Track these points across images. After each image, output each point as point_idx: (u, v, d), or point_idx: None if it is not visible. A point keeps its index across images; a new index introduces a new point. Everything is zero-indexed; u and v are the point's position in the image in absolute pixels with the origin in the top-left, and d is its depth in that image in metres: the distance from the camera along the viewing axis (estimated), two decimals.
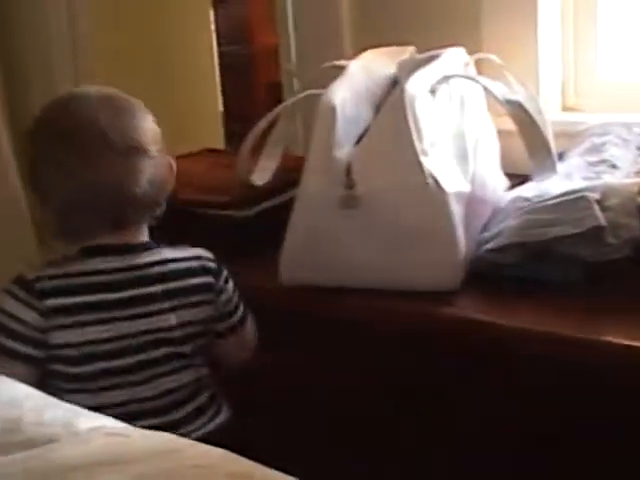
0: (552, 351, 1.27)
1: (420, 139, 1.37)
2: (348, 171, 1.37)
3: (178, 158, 1.97)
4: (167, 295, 1.29)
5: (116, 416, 1.06)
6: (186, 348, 1.32)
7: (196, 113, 2.66)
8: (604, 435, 1.26)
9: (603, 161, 1.55)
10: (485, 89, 1.47)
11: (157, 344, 1.29)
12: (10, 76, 2.12)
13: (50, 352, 1.25)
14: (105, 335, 1.26)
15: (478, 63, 1.65)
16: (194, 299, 1.32)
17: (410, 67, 1.49)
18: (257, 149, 1.66)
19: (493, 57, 1.67)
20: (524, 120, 1.44)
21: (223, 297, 1.38)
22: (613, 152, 1.57)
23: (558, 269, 1.36)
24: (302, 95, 1.54)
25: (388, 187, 1.37)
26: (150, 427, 1.09)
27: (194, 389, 1.35)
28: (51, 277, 1.25)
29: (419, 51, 1.65)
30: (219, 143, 2.68)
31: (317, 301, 1.44)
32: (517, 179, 1.64)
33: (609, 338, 1.22)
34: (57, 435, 0.92)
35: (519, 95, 1.53)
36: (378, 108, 1.46)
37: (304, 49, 2.19)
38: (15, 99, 2.14)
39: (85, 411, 0.98)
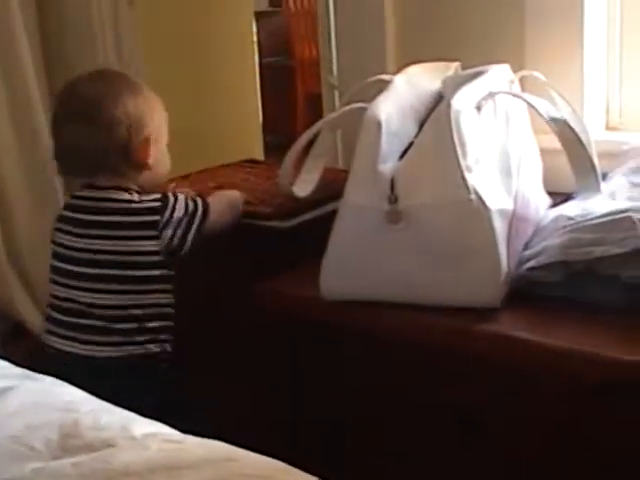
0: (591, 371, 1.26)
1: (464, 155, 1.37)
2: (392, 186, 1.37)
3: (219, 168, 2.01)
4: (108, 225, 1.58)
5: (54, 307, 1.62)
6: (118, 272, 1.58)
7: (236, 123, 2.68)
8: None
9: None
10: (531, 106, 1.47)
11: (93, 263, 1.59)
12: None
13: None
14: (69, 244, 1.62)
15: (522, 80, 1.64)
16: (132, 234, 1.58)
17: (456, 83, 1.49)
18: (298, 161, 1.67)
19: (538, 75, 1.66)
20: (569, 138, 1.43)
21: (168, 232, 1.57)
22: None
23: (600, 289, 1.35)
24: (347, 109, 1.54)
25: (431, 202, 1.37)
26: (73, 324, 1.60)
27: (120, 314, 1.58)
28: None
29: (463, 68, 1.66)
30: (258, 154, 2.70)
31: (357, 315, 1.44)
32: (559, 197, 1.64)
33: None
34: (114, 440, 0.94)
35: (564, 113, 1.52)
36: (422, 123, 1.46)
37: (346, 62, 2.19)
38: None
39: (138, 417, 0.99)
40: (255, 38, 2.82)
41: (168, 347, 1.62)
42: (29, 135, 2.19)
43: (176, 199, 1.59)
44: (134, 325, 1.59)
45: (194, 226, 1.59)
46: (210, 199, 1.65)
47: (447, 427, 1.41)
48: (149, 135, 1.60)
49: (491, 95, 1.47)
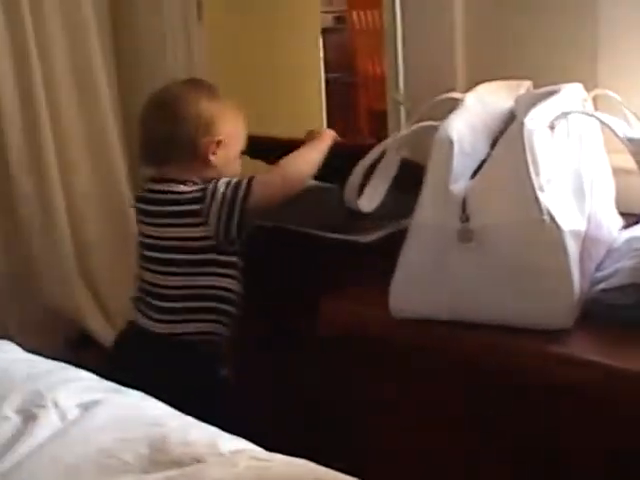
0: None
1: (537, 175, 1.36)
2: (463, 205, 1.37)
3: None
4: (156, 214, 1.79)
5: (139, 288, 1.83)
6: (172, 257, 1.76)
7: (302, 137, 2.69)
8: None
9: None
10: (606, 126, 1.45)
11: (150, 247, 1.80)
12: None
13: None
14: (143, 231, 1.83)
15: (595, 99, 1.63)
16: (180, 221, 1.75)
17: (528, 102, 1.48)
18: (365, 176, 1.66)
19: (611, 93, 1.65)
20: None
21: (213, 219, 1.72)
22: None
23: None
24: (418, 126, 1.54)
25: (504, 222, 1.36)
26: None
27: (180, 294, 1.77)
28: None
29: (535, 86, 1.64)
30: None
31: (426, 334, 1.43)
32: (631, 218, 1.62)
33: None
34: (202, 456, 0.95)
35: (638, 132, 1.50)
36: (494, 142, 1.46)
37: (413, 79, 2.19)
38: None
39: (224, 433, 1.00)
40: (321, 54, 2.83)
41: (220, 329, 1.79)
42: (100, 150, 2.24)
43: (215, 187, 1.73)
44: (189, 304, 1.76)
45: (236, 211, 1.72)
46: (261, 177, 1.76)
47: (516, 449, 1.40)
48: (218, 137, 1.77)
49: (564, 114, 1.46)
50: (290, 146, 1.84)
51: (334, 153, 1.83)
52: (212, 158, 1.78)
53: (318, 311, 1.52)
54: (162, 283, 1.78)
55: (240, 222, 1.73)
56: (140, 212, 1.83)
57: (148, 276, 1.81)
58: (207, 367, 1.81)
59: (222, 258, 1.76)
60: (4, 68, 2.13)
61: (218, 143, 1.78)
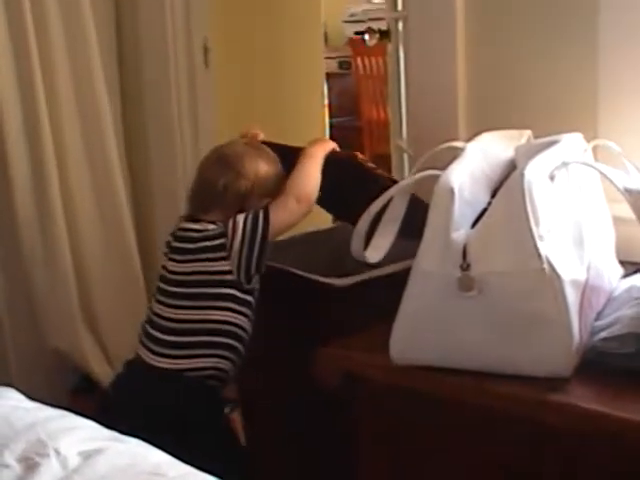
0: None
1: (537, 224, 1.37)
2: (464, 253, 1.38)
3: None
4: (182, 251, 1.84)
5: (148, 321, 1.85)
6: (194, 291, 1.80)
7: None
8: None
9: None
10: (606, 177, 1.47)
11: (173, 283, 1.83)
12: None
13: None
14: (166, 265, 1.87)
15: (595, 149, 1.65)
16: (202, 256, 1.80)
17: (529, 152, 1.50)
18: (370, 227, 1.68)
19: (611, 144, 1.67)
20: None
21: (236, 254, 1.78)
22: None
23: None
24: (420, 175, 1.56)
25: (503, 271, 1.37)
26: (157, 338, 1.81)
27: (195, 328, 1.79)
28: None
29: (535, 136, 1.66)
30: (325, 213, 2.72)
31: (426, 380, 1.44)
32: (632, 267, 1.63)
33: None
34: None
35: (637, 183, 1.52)
36: (495, 191, 1.47)
37: (416, 127, 2.22)
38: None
39: None
40: (326, 100, 2.87)
41: (229, 366, 1.81)
42: (108, 196, 2.27)
43: (235, 222, 1.79)
44: (203, 338, 1.79)
45: (257, 245, 1.78)
46: (276, 205, 1.83)
47: None
48: (268, 200, 1.85)
49: (564, 165, 1.48)
50: (288, 152, 1.93)
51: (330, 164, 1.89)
52: None
53: (313, 361, 1.53)
54: (178, 317, 1.81)
55: (260, 255, 1.78)
56: (170, 249, 1.88)
57: (164, 311, 1.84)
58: (212, 404, 1.82)
59: (240, 295, 1.80)
60: (12, 111, 2.17)
61: (266, 205, 1.85)
